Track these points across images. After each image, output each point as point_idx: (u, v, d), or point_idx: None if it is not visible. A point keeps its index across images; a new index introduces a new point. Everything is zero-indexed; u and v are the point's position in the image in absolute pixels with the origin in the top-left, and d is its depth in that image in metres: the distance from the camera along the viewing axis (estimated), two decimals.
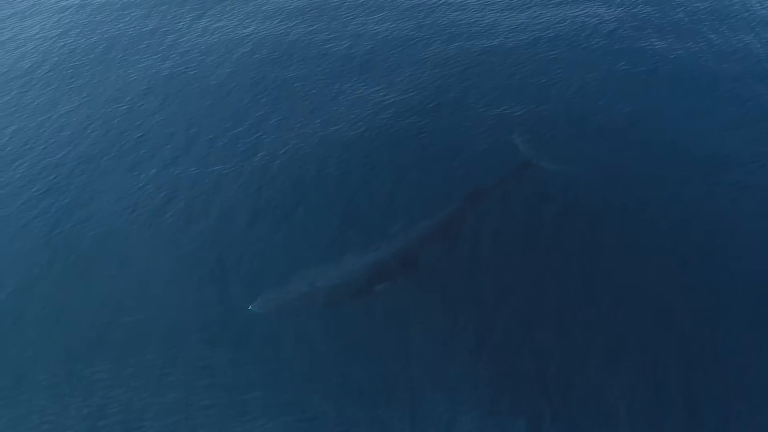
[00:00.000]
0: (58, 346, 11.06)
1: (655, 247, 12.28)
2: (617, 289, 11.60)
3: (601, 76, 16.49)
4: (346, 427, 9.94)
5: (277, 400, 10.22)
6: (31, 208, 13.53)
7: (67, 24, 19.59)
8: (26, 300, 11.75)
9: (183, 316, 11.40)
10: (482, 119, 15.27)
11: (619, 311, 11.24)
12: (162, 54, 17.97)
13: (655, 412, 9.94)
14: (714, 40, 17.87)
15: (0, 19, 20.10)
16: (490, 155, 14.25)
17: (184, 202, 13.40)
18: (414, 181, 13.74)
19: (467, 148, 14.48)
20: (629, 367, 10.47)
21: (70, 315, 11.53)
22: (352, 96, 16.18)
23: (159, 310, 11.54)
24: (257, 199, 13.37)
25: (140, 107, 16.09)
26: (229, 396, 10.31)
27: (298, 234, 12.65)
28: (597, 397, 10.14)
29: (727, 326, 10.95)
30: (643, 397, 10.09)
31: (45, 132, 15.50)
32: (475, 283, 11.72)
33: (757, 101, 15.68)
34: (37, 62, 17.90)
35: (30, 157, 14.81)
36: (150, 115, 15.82)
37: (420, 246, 12.30)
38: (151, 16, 19.70)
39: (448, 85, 16.42)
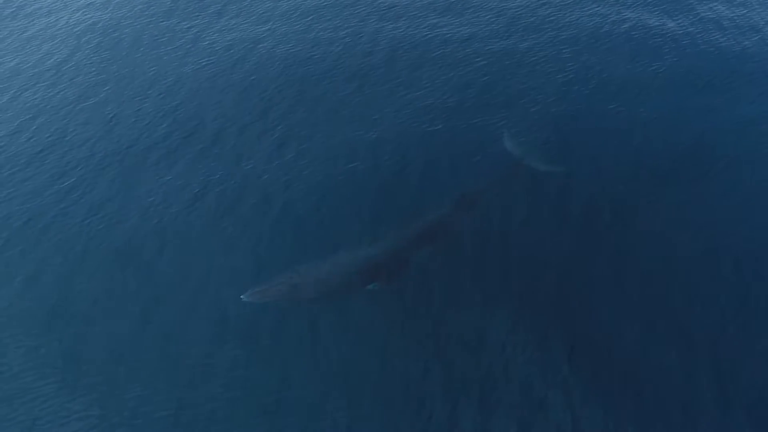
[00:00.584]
0: (97, 337, 11.21)
1: (676, 242, 12.51)
2: (642, 279, 11.86)
3: (616, 75, 16.66)
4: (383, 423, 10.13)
5: (311, 394, 10.39)
6: (60, 200, 13.66)
7: (91, 20, 19.71)
8: (63, 290, 11.90)
9: (216, 308, 11.54)
10: (496, 119, 15.43)
11: (644, 301, 11.51)
12: (185, 49, 18.09)
13: (685, 395, 10.19)
14: (730, 38, 18.06)
15: (25, 15, 20.18)
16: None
17: (215, 194, 13.57)
18: (437, 176, 13.99)
19: (486, 146, 14.67)
20: (657, 352, 10.73)
21: (106, 306, 11.67)
22: (370, 94, 16.33)
23: (193, 302, 11.68)
24: (286, 191, 13.60)
25: (165, 101, 16.19)
26: (265, 390, 10.45)
27: (306, 228, 12.92)
28: (627, 379, 10.41)
29: (755, 314, 11.20)
30: (673, 379, 10.35)
31: (71, 126, 15.65)
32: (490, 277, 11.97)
33: None
34: (63, 57, 18.00)
35: (57, 149, 14.95)
36: (175, 109, 15.93)
37: (420, 245, 12.43)
38: (173, 11, 19.82)
39: (466, 84, 16.54)
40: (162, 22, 19.30)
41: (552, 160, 14.19)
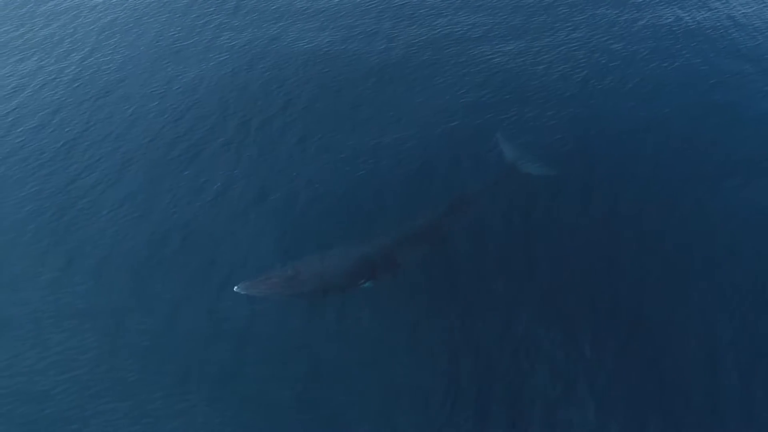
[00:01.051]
0: (126, 331, 11.31)
1: (687, 242, 12.54)
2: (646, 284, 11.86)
3: (631, 73, 16.76)
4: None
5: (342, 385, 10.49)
6: (84, 194, 13.82)
7: (109, 17, 19.96)
8: (91, 285, 12.02)
9: (240, 303, 11.64)
10: (507, 117, 15.53)
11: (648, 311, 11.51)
12: (204, 45, 18.32)
13: (708, 384, 10.35)
14: (744, 33, 18.20)
15: (43, 11, 20.44)
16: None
17: (240, 189, 13.79)
18: (445, 175, 14.11)
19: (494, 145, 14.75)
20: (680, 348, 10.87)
21: (133, 301, 11.76)
22: (384, 93, 16.49)
23: (216, 297, 11.75)
24: (309, 185, 13.82)
25: (186, 96, 16.41)
26: (294, 382, 10.52)
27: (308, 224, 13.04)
28: (649, 371, 10.57)
29: None
30: (695, 368, 10.54)
31: (93, 121, 15.83)
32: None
33: None
34: (84, 54, 18.21)
35: (80, 144, 15.13)
36: (196, 104, 16.14)
37: (417, 244, 12.46)
38: (191, 7, 20.09)
39: (481, 83, 16.61)
40: (180, 17, 19.54)
41: (560, 162, 14.22)
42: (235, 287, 11.36)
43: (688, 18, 18.93)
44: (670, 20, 18.89)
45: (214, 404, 10.30)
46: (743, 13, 19.08)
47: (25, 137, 15.47)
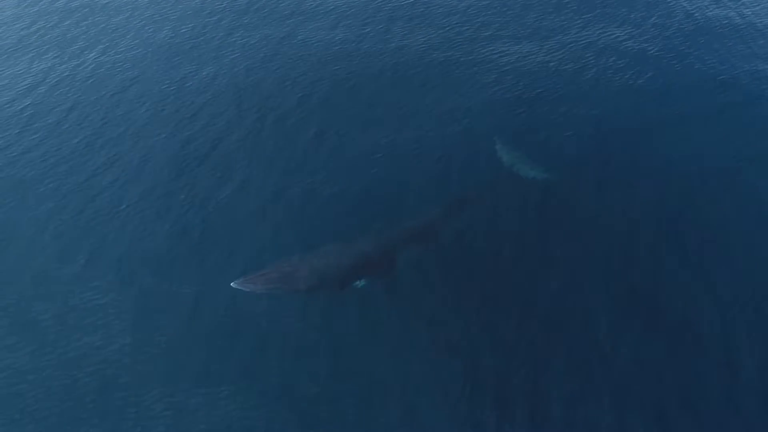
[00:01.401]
0: (151, 330, 11.40)
1: (692, 245, 12.55)
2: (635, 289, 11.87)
3: (641, 74, 16.83)
4: None
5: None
6: (102, 191, 13.93)
7: (119, 18, 20.09)
8: (115, 282, 12.10)
9: (266, 302, 11.69)
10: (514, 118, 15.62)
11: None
12: (217, 44, 18.44)
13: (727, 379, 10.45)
14: (744, 39, 18.24)
15: (54, 11, 20.52)
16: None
17: (255, 186, 13.91)
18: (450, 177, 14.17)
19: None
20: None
21: (156, 299, 11.86)
22: (397, 94, 16.51)
23: (233, 296, 11.76)
24: (324, 182, 13.94)
25: (201, 95, 16.51)
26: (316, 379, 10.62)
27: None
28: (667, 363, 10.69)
29: None
30: (714, 368, 10.63)
31: (109, 119, 15.96)
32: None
33: None
34: (98, 54, 18.34)
35: (98, 142, 15.25)
36: (211, 102, 16.26)
37: (410, 245, 12.47)
38: (203, 8, 20.21)
39: (491, 82, 16.68)
40: (192, 15, 19.66)
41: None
42: (232, 283, 11.42)
43: (698, 15, 19.02)
44: (680, 17, 18.97)
45: (235, 397, 10.41)
46: (753, 11, 19.17)
47: (42, 134, 15.55)
